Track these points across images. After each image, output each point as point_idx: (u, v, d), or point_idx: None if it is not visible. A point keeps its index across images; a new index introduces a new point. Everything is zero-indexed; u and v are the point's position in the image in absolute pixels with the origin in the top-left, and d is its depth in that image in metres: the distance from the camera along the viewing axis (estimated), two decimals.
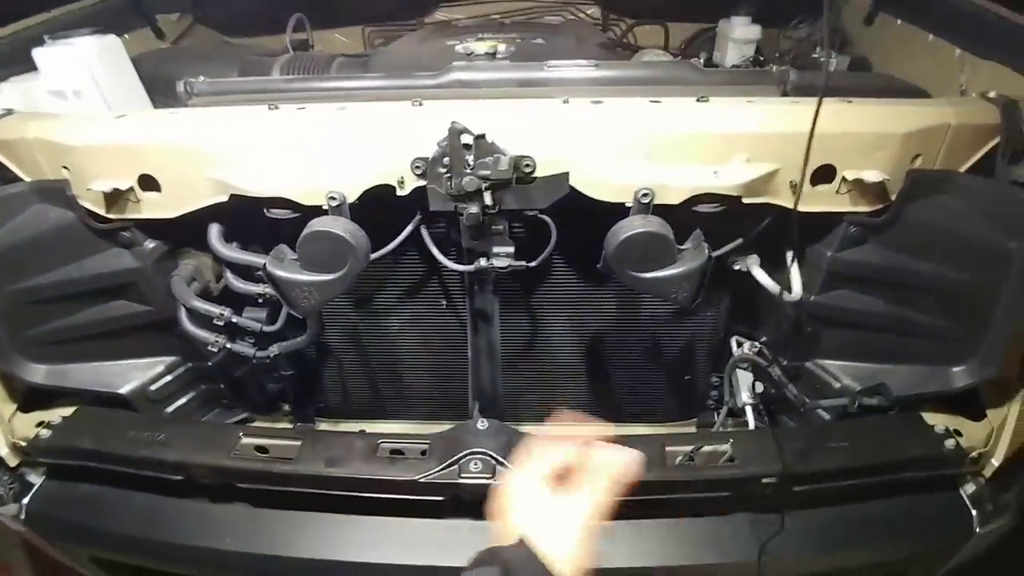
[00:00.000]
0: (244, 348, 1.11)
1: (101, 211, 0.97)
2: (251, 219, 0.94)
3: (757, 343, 1.10)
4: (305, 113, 0.90)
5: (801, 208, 0.88)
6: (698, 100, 0.87)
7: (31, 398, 1.18)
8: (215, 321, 1.06)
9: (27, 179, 0.99)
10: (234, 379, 1.27)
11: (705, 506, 1.01)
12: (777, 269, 1.01)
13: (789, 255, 0.96)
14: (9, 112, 1.03)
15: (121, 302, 1.09)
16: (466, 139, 0.79)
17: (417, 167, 0.83)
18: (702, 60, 1.64)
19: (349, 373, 1.30)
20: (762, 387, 1.12)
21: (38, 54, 1.18)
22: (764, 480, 0.95)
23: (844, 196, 0.90)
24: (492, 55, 1.03)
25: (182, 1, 1.90)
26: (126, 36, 1.64)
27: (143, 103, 1.28)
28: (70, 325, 1.09)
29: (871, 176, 0.85)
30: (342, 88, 1.02)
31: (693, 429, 1.32)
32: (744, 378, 1.15)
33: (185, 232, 1.03)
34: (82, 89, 1.18)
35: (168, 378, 1.21)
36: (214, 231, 1.00)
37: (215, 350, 1.09)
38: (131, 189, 0.93)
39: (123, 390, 1.15)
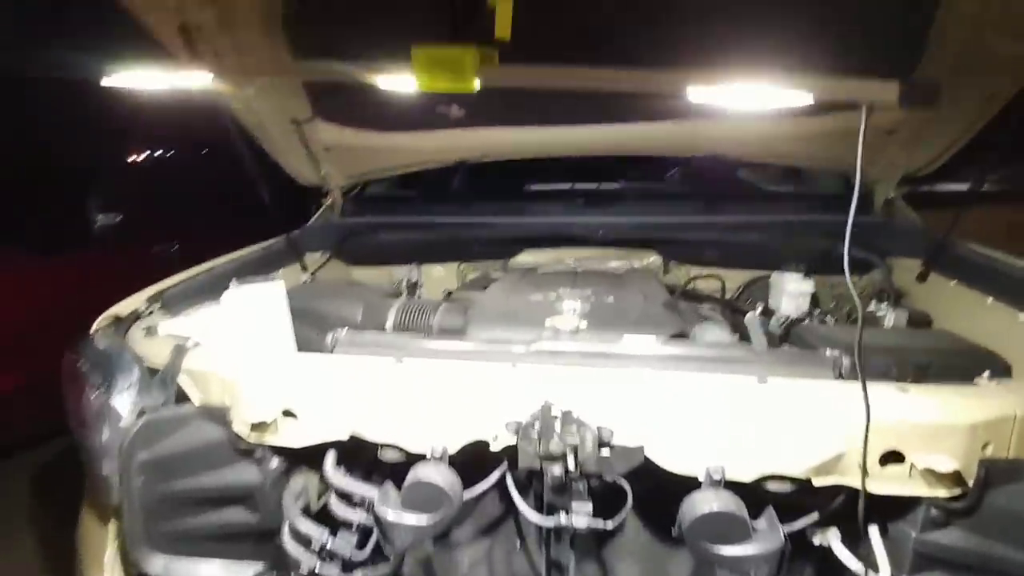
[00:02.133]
0: (331, 571, 1.17)
1: (245, 434, 1.17)
2: (363, 454, 1.09)
3: None
4: (421, 370, 1.11)
5: (874, 490, 0.91)
6: (759, 382, 0.99)
7: None
8: (312, 543, 1.15)
9: (197, 401, 1.23)
10: None
11: None
12: (860, 544, 1.00)
13: (873, 534, 0.96)
14: (197, 344, 1.33)
15: (238, 509, 1.22)
16: (555, 411, 0.94)
17: (511, 428, 0.98)
18: (759, 310, 1.81)
19: None
20: None
21: (227, 295, 1.55)
22: None
23: (918, 479, 0.92)
24: (575, 331, 1.25)
25: (322, 243, 2.44)
26: (280, 271, 2.13)
27: (292, 336, 1.58)
28: (193, 525, 1.23)
29: (942, 465, 0.89)
30: (451, 349, 1.25)
31: None
32: None
33: (303, 453, 1.19)
34: (256, 326, 1.49)
35: None
36: (330, 459, 1.16)
37: (304, 572, 1.17)
38: (275, 421, 1.14)
39: None
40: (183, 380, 1.25)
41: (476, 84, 1.10)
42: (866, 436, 0.85)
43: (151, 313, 1.56)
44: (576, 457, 0.92)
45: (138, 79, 1.49)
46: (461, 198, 2.52)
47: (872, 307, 1.80)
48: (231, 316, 1.50)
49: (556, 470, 0.93)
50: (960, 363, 1.31)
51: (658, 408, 0.97)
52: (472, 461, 1.06)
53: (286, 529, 1.19)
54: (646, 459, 0.94)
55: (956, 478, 0.91)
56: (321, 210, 2.54)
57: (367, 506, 1.15)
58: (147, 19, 1.52)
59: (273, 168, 2.26)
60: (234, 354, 1.32)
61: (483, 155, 2.30)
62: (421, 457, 1.02)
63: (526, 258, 2.33)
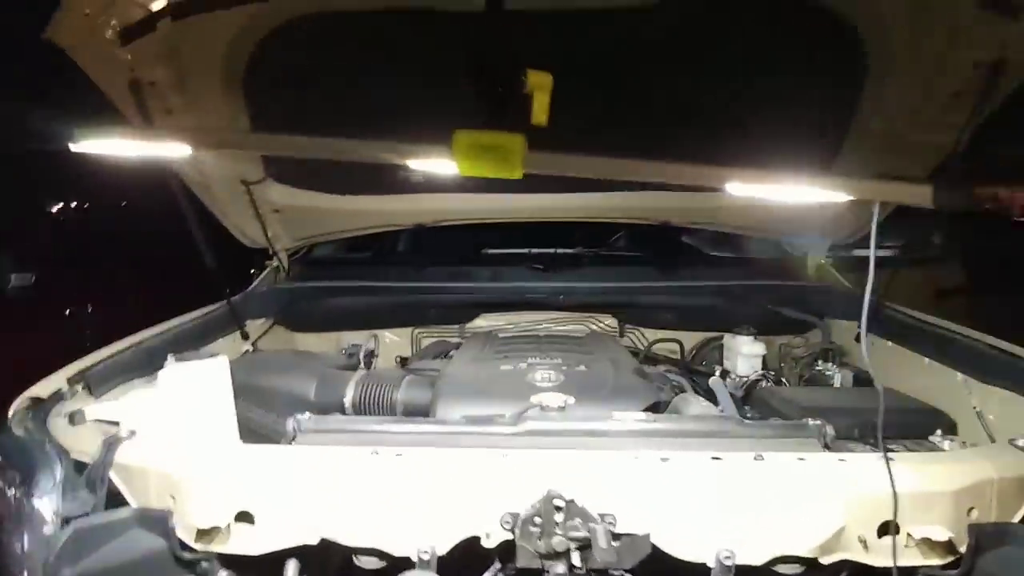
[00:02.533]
0: None
1: (191, 541, 1.00)
2: (332, 561, 0.96)
3: None
4: (403, 461, 1.01)
5: (874, 563, 0.91)
6: (755, 458, 0.99)
7: None
8: None
9: (133, 504, 1.05)
10: None
11: None
12: None
13: None
14: (132, 434, 1.15)
15: None
16: (557, 502, 0.87)
17: (507, 523, 0.90)
18: (719, 372, 1.86)
19: None
20: None
21: (163, 376, 1.37)
22: None
23: (914, 549, 0.94)
24: (562, 408, 1.20)
25: (265, 309, 2.26)
26: (219, 340, 1.94)
27: (235, 420, 1.42)
28: None
29: (935, 534, 0.91)
30: (432, 432, 1.15)
31: None
32: None
33: (259, 564, 1.03)
34: (197, 411, 1.32)
35: None
36: (291, 569, 1.01)
37: None
38: (227, 525, 0.98)
39: None
40: (116, 478, 1.07)
41: (522, 171, 1.08)
42: (895, 508, 0.86)
43: (75, 395, 1.35)
44: (581, 552, 0.86)
45: (102, 146, 1.35)
46: (415, 261, 2.46)
47: (820, 366, 1.91)
48: (168, 399, 1.33)
49: (559, 568, 0.86)
50: (912, 421, 1.40)
51: (663, 492, 0.94)
52: (460, 559, 0.96)
53: None
54: (654, 547, 0.89)
55: (949, 546, 0.93)
56: (264, 273, 2.38)
57: None
58: (96, 73, 1.42)
59: (209, 227, 2.09)
60: (176, 445, 1.15)
61: (441, 219, 2.28)
62: (406, 561, 0.91)
63: (483, 323, 2.28)
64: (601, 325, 2.26)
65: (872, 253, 1.04)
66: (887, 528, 0.93)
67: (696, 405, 1.31)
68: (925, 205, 1.04)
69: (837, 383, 1.82)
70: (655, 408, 1.40)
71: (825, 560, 0.90)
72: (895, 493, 0.90)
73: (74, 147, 1.32)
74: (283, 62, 1.58)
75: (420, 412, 1.48)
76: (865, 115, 1.70)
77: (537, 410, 1.20)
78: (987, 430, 1.41)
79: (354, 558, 0.94)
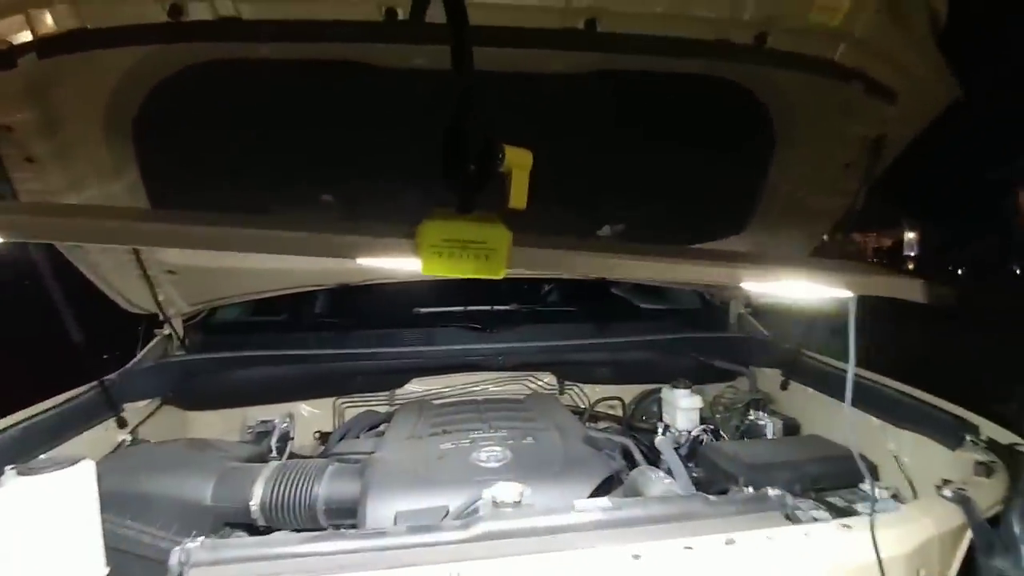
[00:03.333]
0: None
1: None
2: None
3: None
4: None
5: None
6: (726, 544, 0.92)
7: None
8: None
9: None
10: None
11: None
12: None
13: None
14: None
15: None
16: None
17: None
18: (662, 430, 1.85)
19: None
20: None
21: (7, 485, 1.06)
22: None
23: None
24: (518, 503, 1.06)
25: (152, 387, 1.92)
26: (85, 434, 1.59)
27: (100, 546, 1.12)
28: None
29: None
30: (366, 549, 0.96)
31: None
32: None
33: None
34: (48, 535, 1.03)
35: None
36: None
37: None
38: None
39: None
40: None
41: (505, 271, 0.87)
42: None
43: None
44: None
45: None
46: (337, 324, 2.24)
47: (752, 416, 1.95)
48: (7, 523, 1.03)
49: None
50: (841, 470, 1.45)
51: None
52: None
53: None
54: None
55: None
56: (151, 344, 2.04)
57: None
58: None
59: (72, 288, 1.72)
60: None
61: (365, 279, 2.10)
62: None
63: (416, 387, 2.10)
64: (540, 383, 2.17)
65: (852, 345, 1.04)
66: None
67: (657, 483, 1.24)
68: (915, 299, 1.08)
69: (770, 433, 1.87)
70: (609, 482, 1.32)
71: None
72: (880, 560, 0.87)
73: None
74: (186, 109, 1.39)
75: (347, 510, 1.27)
76: (774, 180, 1.85)
77: (489, 506, 1.06)
78: (904, 473, 1.50)
79: None
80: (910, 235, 15.89)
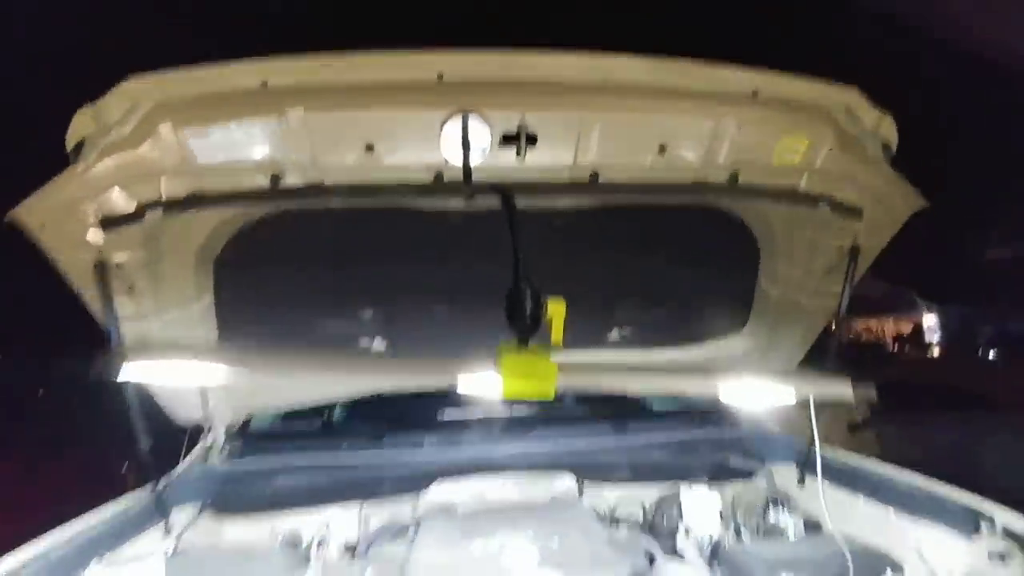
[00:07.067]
0: None
1: None
2: None
3: None
4: None
5: None
6: None
7: None
8: None
9: None
10: None
11: None
12: None
13: None
14: None
15: None
16: None
17: None
18: (685, 532, 1.87)
19: None
20: None
21: None
22: None
23: None
24: None
25: (195, 494, 2.03)
26: (139, 537, 1.70)
27: None
28: None
29: None
30: None
31: None
32: None
33: None
34: None
35: None
36: None
37: None
38: None
39: None
40: None
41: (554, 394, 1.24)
42: None
43: None
44: None
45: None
46: (365, 432, 2.35)
47: (772, 517, 1.97)
48: None
49: None
50: (868, 568, 1.47)
51: None
52: None
53: None
54: None
55: None
56: (193, 454, 2.17)
57: None
58: (59, 252, 1.44)
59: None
60: None
61: (402, 388, 2.25)
62: None
63: (439, 495, 2.15)
64: (562, 486, 2.22)
65: (818, 449, 1.18)
66: None
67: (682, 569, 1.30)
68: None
69: (791, 532, 1.88)
70: None
71: None
72: None
73: None
74: (260, 250, 1.67)
75: None
76: (764, 286, 2.05)
77: None
78: (930, 569, 1.51)
79: None
80: (930, 319, 15.72)
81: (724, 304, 2.12)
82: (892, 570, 1.47)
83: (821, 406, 1.99)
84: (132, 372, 1.53)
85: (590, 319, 2.05)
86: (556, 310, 1.23)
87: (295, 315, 1.82)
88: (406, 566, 1.44)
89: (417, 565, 1.43)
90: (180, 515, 1.91)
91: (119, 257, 1.49)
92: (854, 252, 1.80)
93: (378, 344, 2.07)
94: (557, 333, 1.21)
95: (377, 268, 1.77)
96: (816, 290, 1.95)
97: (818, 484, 1.85)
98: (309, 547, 1.75)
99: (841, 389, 1.51)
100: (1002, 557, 1.34)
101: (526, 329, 1.19)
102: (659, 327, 2.14)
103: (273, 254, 1.70)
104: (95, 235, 1.42)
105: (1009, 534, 1.38)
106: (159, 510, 1.83)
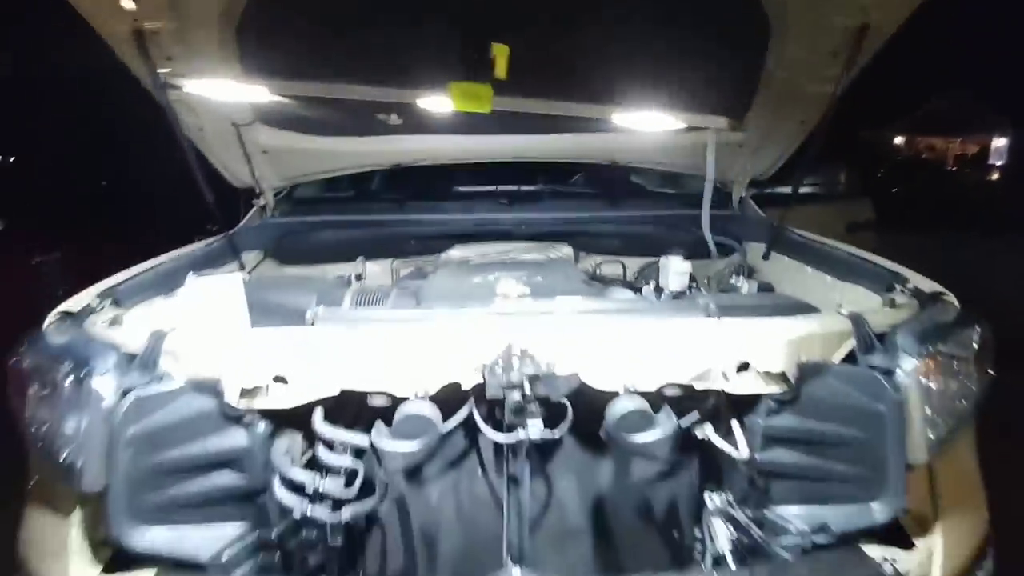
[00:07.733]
0: (321, 512, 1.35)
1: (234, 401, 1.31)
2: (343, 411, 1.30)
3: (726, 496, 1.43)
4: (405, 332, 1.35)
5: (732, 391, 1.32)
6: (656, 321, 1.37)
7: (115, 561, 1.36)
8: (307, 488, 1.33)
9: (182, 378, 1.33)
10: (289, 549, 1.47)
11: None
12: (728, 433, 1.40)
13: (734, 425, 1.37)
14: (173, 329, 1.42)
15: (225, 473, 1.34)
16: (515, 350, 1.24)
17: (478, 370, 1.26)
18: (652, 286, 2.27)
19: (391, 540, 1.52)
20: (735, 534, 1.42)
21: (188, 287, 1.64)
22: None
23: (761, 382, 1.34)
24: (521, 296, 1.56)
25: (257, 243, 2.52)
26: (221, 269, 2.21)
27: (249, 326, 1.71)
28: (179, 494, 1.33)
29: (773, 368, 1.31)
30: (425, 316, 1.49)
31: None
32: (720, 528, 1.44)
33: (291, 415, 1.36)
34: (217, 316, 1.61)
35: (239, 545, 1.40)
36: (318, 414, 1.34)
37: (296, 516, 1.33)
38: (266, 386, 1.31)
39: (202, 558, 1.34)
40: (165, 360, 1.32)
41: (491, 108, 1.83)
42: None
43: (103, 309, 1.60)
44: (531, 384, 1.22)
45: None
46: (393, 199, 2.74)
47: (732, 280, 2.33)
48: (193, 307, 1.61)
49: (515, 395, 1.22)
50: (787, 312, 1.83)
51: (589, 345, 1.31)
52: (443, 406, 1.31)
53: (276, 482, 1.34)
54: (581, 383, 1.27)
55: (783, 378, 1.34)
56: (252, 211, 2.62)
57: (351, 452, 1.35)
58: (100, 22, 1.62)
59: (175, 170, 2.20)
60: (219, 333, 1.44)
61: (417, 160, 2.55)
62: (406, 400, 1.26)
63: (456, 252, 2.60)
64: (560, 253, 2.62)
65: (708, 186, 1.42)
66: (743, 367, 1.34)
67: (620, 292, 1.70)
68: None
69: (744, 291, 2.25)
70: None
71: (698, 387, 1.30)
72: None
73: None
74: (273, 15, 1.79)
75: None
76: (771, 68, 2.07)
77: (502, 298, 1.56)
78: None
79: (368, 399, 1.29)
80: (999, 142, 14.41)
81: (731, 82, 2.17)
82: (809, 310, 1.81)
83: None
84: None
85: (590, 88, 2.15)
86: (500, 50, 1.68)
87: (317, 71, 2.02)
88: (420, 290, 1.88)
89: (430, 287, 1.87)
90: (248, 257, 2.42)
91: (151, 25, 1.66)
92: (861, 33, 1.79)
93: (394, 120, 2.28)
94: (501, 69, 1.69)
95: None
96: (818, 74, 1.97)
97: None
98: (350, 279, 2.23)
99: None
100: (893, 303, 1.64)
101: (473, 65, 1.54)
102: (657, 94, 2.23)
103: (291, 24, 1.84)
104: (128, 1, 1.59)
105: (915, 293, 1.61)
106: (233, 252, 2.32)
